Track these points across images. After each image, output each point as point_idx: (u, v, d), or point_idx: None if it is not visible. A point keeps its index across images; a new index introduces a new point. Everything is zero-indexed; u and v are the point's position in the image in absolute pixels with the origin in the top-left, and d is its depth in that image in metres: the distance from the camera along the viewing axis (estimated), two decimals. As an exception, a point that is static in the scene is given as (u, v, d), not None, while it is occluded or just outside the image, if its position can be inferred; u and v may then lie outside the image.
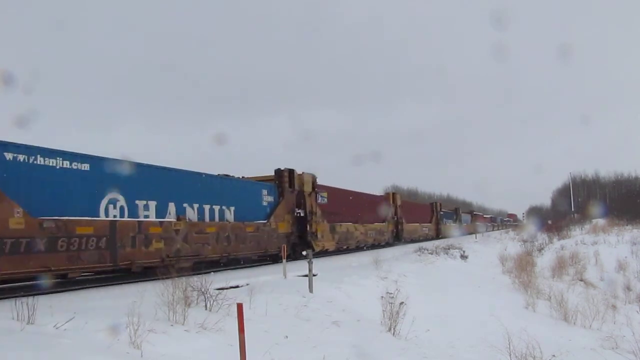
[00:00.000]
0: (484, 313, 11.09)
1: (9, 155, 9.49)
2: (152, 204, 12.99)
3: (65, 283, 11.10)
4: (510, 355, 7.05)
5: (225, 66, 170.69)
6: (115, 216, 11.77)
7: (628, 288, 17.39)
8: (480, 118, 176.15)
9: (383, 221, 30.54)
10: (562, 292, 13.28)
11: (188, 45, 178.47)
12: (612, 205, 64.72)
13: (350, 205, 25.83)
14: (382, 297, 10.04)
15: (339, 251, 23.85)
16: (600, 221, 46.59)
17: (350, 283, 11.59)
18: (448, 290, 13.45)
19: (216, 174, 17.06)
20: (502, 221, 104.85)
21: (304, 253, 14.15)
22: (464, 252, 22.04)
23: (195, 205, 14.69)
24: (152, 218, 12.89)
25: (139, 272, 12.58)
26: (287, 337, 7.20)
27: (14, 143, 9.68)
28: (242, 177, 18.54)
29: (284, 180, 19.29)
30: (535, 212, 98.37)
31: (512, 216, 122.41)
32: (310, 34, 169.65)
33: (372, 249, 25.93)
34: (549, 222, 54.99)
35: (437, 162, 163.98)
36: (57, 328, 5.81)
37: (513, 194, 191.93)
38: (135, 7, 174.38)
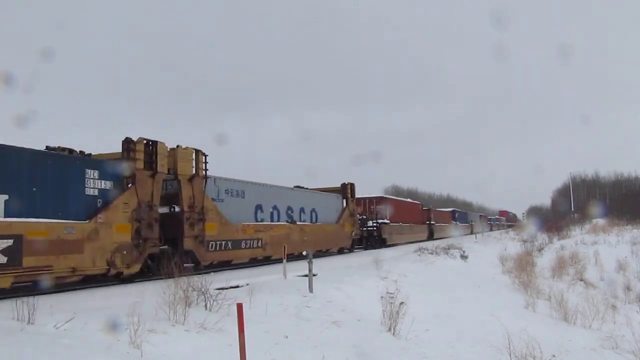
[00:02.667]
0: (484, 313, 11.08)
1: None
2: None
3: (66, 283, 11.09)
4: (510, 355, 7.04)
5: (226, 66, 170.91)
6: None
7: (628, 288, 17.36)
8: (480, 118, 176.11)
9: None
10: (562, 292, 13.26)
11: (188, 45, 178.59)
12: (612, 205, 64.65)
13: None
14: (382, 297, 10.03)
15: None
16: (600, 221, 46.57)
17: (350, 283, 11.58)
18: (448, 290, 13.44)
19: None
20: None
21: (304, 253, 14.05)
22: (463, 252, 22.03)
23: None
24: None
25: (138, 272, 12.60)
26: (287, 337, 7.20)
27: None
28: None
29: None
30: (535, 212, 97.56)
31: (505, 214, 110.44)
32: (311, 34, 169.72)
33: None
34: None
35: (437, 162, 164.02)
36: (57, 328, 5.81)
37: (513, 194, 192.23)
38: (135, 7, 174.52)
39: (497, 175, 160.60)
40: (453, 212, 58.13)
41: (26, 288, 9.21)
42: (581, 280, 18.54)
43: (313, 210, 22.16)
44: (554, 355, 8.11)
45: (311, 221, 21.88)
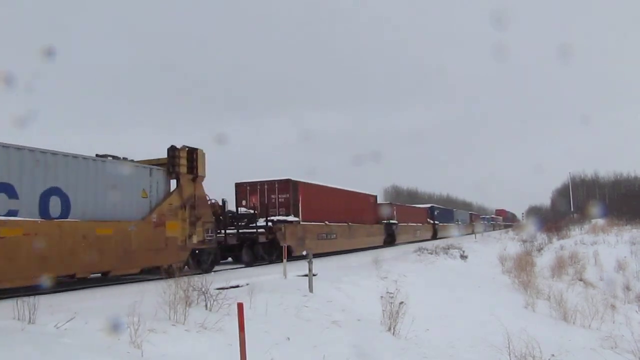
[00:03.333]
0: (484, 313, 11.09)
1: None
2: None
3: (66, 283, 11.10)
4: (510, 355, 7.06)
5: (226, 66, 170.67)
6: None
7: (627, 288, 17.39)
8: (480, 118, 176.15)
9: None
10: (561, 292, 13.29)
11: (188, 45, 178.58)
12: (612, 205, 64.74)
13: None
14: (382, 296, 10.05)
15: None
16: (600, 221, 46.63)
17: (350, 283, 11.60)
18: (448, 290, 13.45)
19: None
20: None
21: (304, 253, 14.10)
22: (463, 252, 22.06)
23: None
24: None
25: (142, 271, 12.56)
26: (287, 337, 7.21)
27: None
28: None
29: None
30: (534, 212, 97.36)
31: (503, 213, 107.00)
32: (311, 34, 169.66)
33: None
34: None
35: (437, 162, 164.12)
36: (57, 328, 5.81)
37: (513, 194, 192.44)
38: (135, 7, 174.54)
39: (496, 175, 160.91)
40: (431, 208, 45.33)
41: (26, 288, 9.21)
42: (581, 280, 18.56)
43: (54, 190, 10.41)
44: (553, 355, 8.12)
45: (41, 214, 10.11)
